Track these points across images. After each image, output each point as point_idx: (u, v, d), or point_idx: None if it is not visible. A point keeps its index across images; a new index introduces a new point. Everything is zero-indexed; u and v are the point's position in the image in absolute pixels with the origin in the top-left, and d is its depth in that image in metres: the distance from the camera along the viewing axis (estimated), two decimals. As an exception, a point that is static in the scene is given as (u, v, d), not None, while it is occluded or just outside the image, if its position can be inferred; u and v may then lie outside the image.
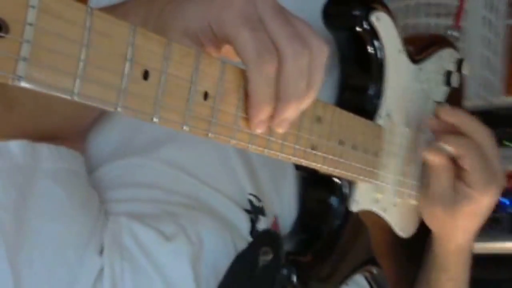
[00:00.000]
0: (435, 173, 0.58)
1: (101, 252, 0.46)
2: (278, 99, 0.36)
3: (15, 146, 0.46)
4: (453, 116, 0.58)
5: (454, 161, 0.57)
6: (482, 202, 0.57)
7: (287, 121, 0.38)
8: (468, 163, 0.56)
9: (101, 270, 0.45)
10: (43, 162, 0.47)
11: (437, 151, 0.57)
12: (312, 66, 0.37)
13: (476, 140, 0.56)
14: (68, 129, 0.52)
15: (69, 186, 0.48)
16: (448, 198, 0.58)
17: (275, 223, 0.55)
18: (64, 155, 0.49)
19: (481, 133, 0.57)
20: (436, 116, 0.59)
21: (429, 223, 0.62)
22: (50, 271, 0.44)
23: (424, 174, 0.62)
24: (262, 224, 0.53)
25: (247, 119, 0.38)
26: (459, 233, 0.60)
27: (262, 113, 0.36)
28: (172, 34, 0.37)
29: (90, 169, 0.54)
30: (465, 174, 0.56)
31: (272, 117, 0.38)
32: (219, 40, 0.37)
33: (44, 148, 0.47)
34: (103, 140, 0.56)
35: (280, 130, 0.39)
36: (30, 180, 0.45)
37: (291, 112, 0.37)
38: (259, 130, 0.37)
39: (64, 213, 0.47)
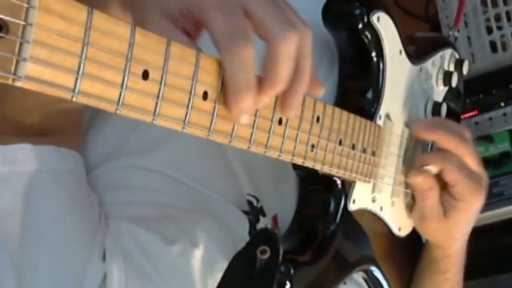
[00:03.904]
0: (421, 195, 0.58)
1: (103, 257, 0.46)
2: (264, 82, 0.35)
3: (17, 150, 0.45)
4: (428, 133, 0.58)
5: (437, 176, 0.57)
6: (470, 209, 0.58)
7: (265, 105, 0.36)
8: (451, 177, 0.56)
9: (105, 276, 0.45)
10: (45, 164, 0.46)
11: (420, 173, 0.57)
12: (301, 51, 0.36)
13: (455, 152, 0.57)
14: (64, 122, 0.51)
15: (71, 189, 0.48)
16: (438, 213, 0.58)
17: (275, 222, 0.55)
18: (65, 156, 0.48)
19: (460, 145, 0.57)
20: (412, 131, 0.59)
21: (425, 235, 0.63)
22: (55, 278, 0.43)
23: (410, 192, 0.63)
24: (263, 224, 0.53)
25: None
26: (454, 239, 0.61)
27: (241, 102, 0.34)
28: (150, 15, 0.36)
29: (87, 170, 0.53)
30: (450, 187, 0.57)
31: (256, 99, 0.36)
32: (197, 22, 0.36)
33: (45, 150, 0.47)
34: (99, 141, 0.55)
35: (259, 105, 0.36)
36: (33, 184, 0.45)
37: (269, 96, 0.36)
38: (240, 121, 0.35)
39: (67, 217, 0.46)
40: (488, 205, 0.91)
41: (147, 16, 0.36)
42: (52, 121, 0.49)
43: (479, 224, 0.91)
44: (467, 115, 1.00)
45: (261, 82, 0.35)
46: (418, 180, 0.57)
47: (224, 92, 0.35)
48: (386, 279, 0.61)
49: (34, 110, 0.47)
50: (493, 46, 0.99)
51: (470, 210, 0.58)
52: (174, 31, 0.36)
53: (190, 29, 0.36)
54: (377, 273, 0.61)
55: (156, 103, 0.31)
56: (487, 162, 0.99)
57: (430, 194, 0.58)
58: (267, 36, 0.35)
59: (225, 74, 0.34)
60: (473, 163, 0.57)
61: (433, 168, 0.57)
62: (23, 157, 0.45)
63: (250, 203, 0.54)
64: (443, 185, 0.58)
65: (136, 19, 0.37)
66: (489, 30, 1.00)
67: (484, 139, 0.98)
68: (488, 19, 1.00)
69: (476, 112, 1.00)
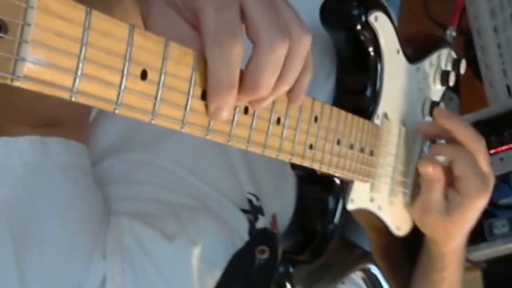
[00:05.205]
0: (428, 185, 0.58)
1: (104, 255, 0.46)
2: (245, 84, 0.34)
3: (25, 142, 0.45)
4: (448, 122, 0.58)
5: (446, 169, 0.57)
6: (473, 208, 0.58)
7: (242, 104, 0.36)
8: (460, 170, 0.56)
9: (105, 276, 0.45)
10: (53, 157, 0.46)
11: (431, 162, 0.57)
12: (288, 59, 0.35)
13: (468, 147, 0.57)
14: (73, 113, 0.50)
15: (78, 182, 0.47)
16: (441, 207, 0.58)
17: (274, 221, 0.55)
18: (73, 149, 0.48)
19: (474, 140, 0.57)
20: (434, 118, 0.59)
21: (423, 229, 0.62)
22: (58, 273, 0.43)
23: (415, 183, 0.63)
24: (261, 223, 0.53)
25: (246, 118, 0.37)
26: (453, 237, 0.61)
27: (219, 99, 0.33)
28: (155, 4, 0.35)
29: (91, 163, 0.53)
30: (457, 182, 0.57)
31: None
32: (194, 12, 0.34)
33: (54, 143, 0.46)
34: (104, 135, 0.55)
35: (237, 104, 0.36)
36: (39, 176, 0.45)
37: (248, 99, 0.35)
38: (218, 118, 0.34)
39: (73, 211, 0.46)
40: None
41: (152, 5, 0.35)
42: (62, 112, 0.49)
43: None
44: (506, 147, 1.01)
45: (242, 81, 0.34)
46: (429, 170, 0.57)
47: (206, 88, 0.33)
48: (385, 277, 0.61)
49: (45, 100, 0.46)
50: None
51: (472, 209, 0.58)
52: (178, 21, 0.35)
53: (193, 21, 0.35)
54: (375, 271, 0.61)
55: (154, 103, 0.31)
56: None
57: (436, 185, 0.57)
58: (255, 40, 0.34)
59: (207, 68, 0.33)
60: (484, 161, 0.58)
61: (443, 159, 0.57)
62: (30, 149, 0.45)
63: (250, 201, 0.55)
64: (450, 182, 0.58)
65: (143, 10, 0.36)
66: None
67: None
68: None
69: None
